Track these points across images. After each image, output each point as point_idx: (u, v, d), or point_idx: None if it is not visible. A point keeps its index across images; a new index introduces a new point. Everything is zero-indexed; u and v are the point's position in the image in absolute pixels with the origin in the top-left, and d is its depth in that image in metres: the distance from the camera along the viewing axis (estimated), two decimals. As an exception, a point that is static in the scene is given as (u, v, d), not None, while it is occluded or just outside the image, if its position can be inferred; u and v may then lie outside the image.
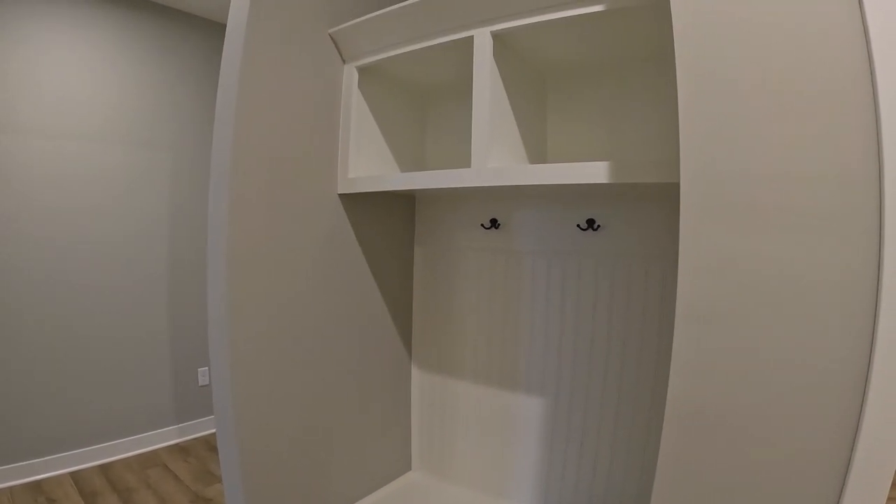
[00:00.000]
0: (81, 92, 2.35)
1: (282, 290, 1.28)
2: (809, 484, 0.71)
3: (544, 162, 1.42)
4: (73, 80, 2.33)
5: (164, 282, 2.68)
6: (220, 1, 2.59)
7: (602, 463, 1.39)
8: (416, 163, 1.67)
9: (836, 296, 0.68)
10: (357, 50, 1.37)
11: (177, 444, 2.72)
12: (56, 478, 2.27)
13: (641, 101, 1.27)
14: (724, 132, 0.75)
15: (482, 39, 1.14)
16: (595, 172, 0.98)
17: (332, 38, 1.37)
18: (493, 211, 1.54)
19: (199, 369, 2.86)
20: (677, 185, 0.89)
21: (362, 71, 1.41)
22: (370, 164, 1.47)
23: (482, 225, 1.54)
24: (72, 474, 2.31)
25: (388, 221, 1.62)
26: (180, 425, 2.79)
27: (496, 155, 1.16)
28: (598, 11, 0.99)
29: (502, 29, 1.11)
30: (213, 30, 2.83)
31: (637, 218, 1.29)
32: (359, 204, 1.49)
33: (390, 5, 1.35)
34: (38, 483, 2.21)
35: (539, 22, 1.06)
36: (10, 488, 2.14)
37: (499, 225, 1.52)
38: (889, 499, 0.69)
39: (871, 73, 0.65)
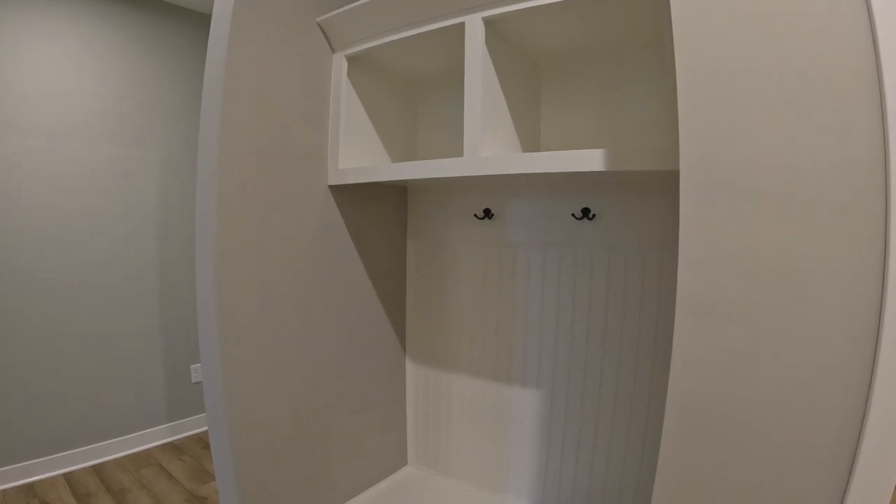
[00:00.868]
0: (66, 87, 2.29)
1: (272, 285, 1.25)
2: (814, 479, 0.69)
3: (538, 150, 1.39)
4: (58, 74, 2.27)
5: (154, 278, 2.64)
6: (206, -8, 2.53)
7: (600, 456, 1.38)
8: (408, 153, 1.64)
9: (841, 288, 0.66)
10: (346, 38, 1.33)
11: (170, 443, 2.70)
12: (49, 479, 2.24)
13: (637, 89, 1.25)
14: (725, 119, 0.73)
15: (474, 26, 1.11)
16: (591, 160, 0.96)
17: (320, 27, 1.33)
18: (487, 201, 1.52)
19: (192, 366, 2.83)
20: (676, 173, 0.87)
21: (352, 60, 1.37)
22: (361, 156, 1.44)
23: (475, 215, 1.52)
24: (65, 475, 2.28)
25: (380, 214, 1.59)
26: (173, 423, 2.76)
27: (489, 144, 1.13)
28: (592, -5, 0.97)
29: (494, 15, 1.08)
30: (200, 21, 2.77)
31: (633, 207, 1.27)
32: (350, 196, 1.47)
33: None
34: (30, 485, 2.18)
35: (532, 7, 1.03)
36: (3, 491, 2.11)
37: (492, 215, 1.50)
38: None
39: (877, 61, 0.63)
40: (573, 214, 1.34)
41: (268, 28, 1.20)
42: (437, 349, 1.69)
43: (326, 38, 1.36)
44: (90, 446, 2.42)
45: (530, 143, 1.34)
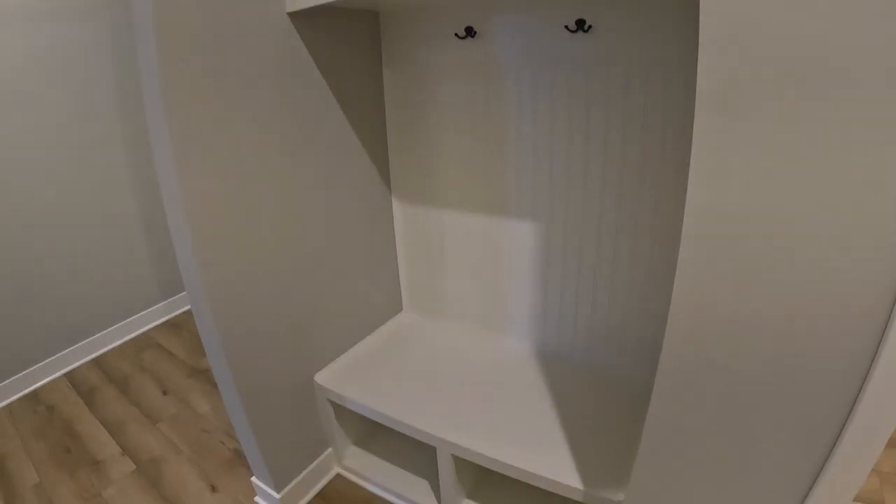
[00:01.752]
0: None
1: (234, 131, 1.07)
2: (826, 386, 0.61)
3: None
4: None
5: (121, 156, 2.22)
6: None
7: (601, 292, 1.26)
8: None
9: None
10: None
11: (168, 321, 2.62)
12: (51, 383, 2.20)
13: None
14: None
15: None
16: None
17: None
18: (468, 18, 1.20)
19: (169, 240, 2.61)
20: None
21: None
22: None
23: (456, 34, 1.21)
24: (66, 375, 2.24)
25: (351, 42, 1.30)
26: (168, 301, 2.65)
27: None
28: None
29: None
30: None
31: (635, 15, 0.98)
32: (313, 24, 1.22)
33: None
34: (34, 393, 2.15)
35: None
36: (9, 405, 2.07)
37: (475, 33, 1.20)
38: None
39: None
40: (567, 27, 1.07)
41: None
42: (424, 185, 1.48)
43: None
44: (89, 339, 2.34)
45: None
